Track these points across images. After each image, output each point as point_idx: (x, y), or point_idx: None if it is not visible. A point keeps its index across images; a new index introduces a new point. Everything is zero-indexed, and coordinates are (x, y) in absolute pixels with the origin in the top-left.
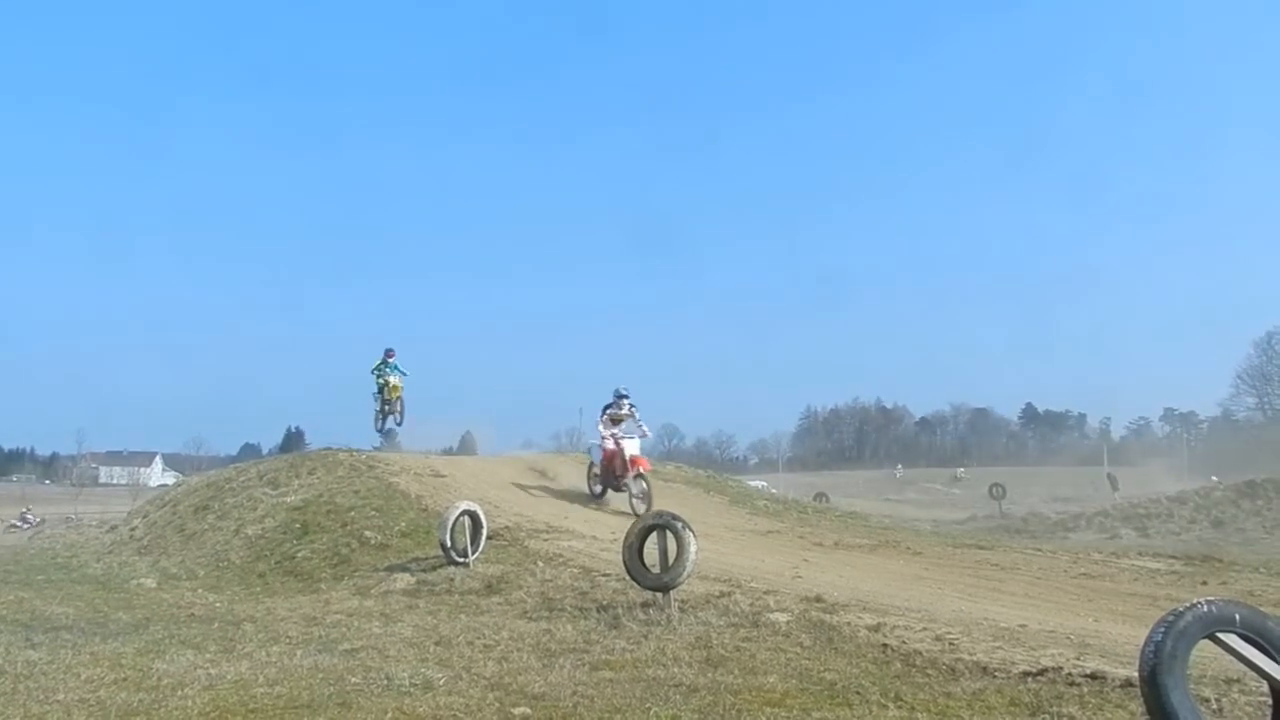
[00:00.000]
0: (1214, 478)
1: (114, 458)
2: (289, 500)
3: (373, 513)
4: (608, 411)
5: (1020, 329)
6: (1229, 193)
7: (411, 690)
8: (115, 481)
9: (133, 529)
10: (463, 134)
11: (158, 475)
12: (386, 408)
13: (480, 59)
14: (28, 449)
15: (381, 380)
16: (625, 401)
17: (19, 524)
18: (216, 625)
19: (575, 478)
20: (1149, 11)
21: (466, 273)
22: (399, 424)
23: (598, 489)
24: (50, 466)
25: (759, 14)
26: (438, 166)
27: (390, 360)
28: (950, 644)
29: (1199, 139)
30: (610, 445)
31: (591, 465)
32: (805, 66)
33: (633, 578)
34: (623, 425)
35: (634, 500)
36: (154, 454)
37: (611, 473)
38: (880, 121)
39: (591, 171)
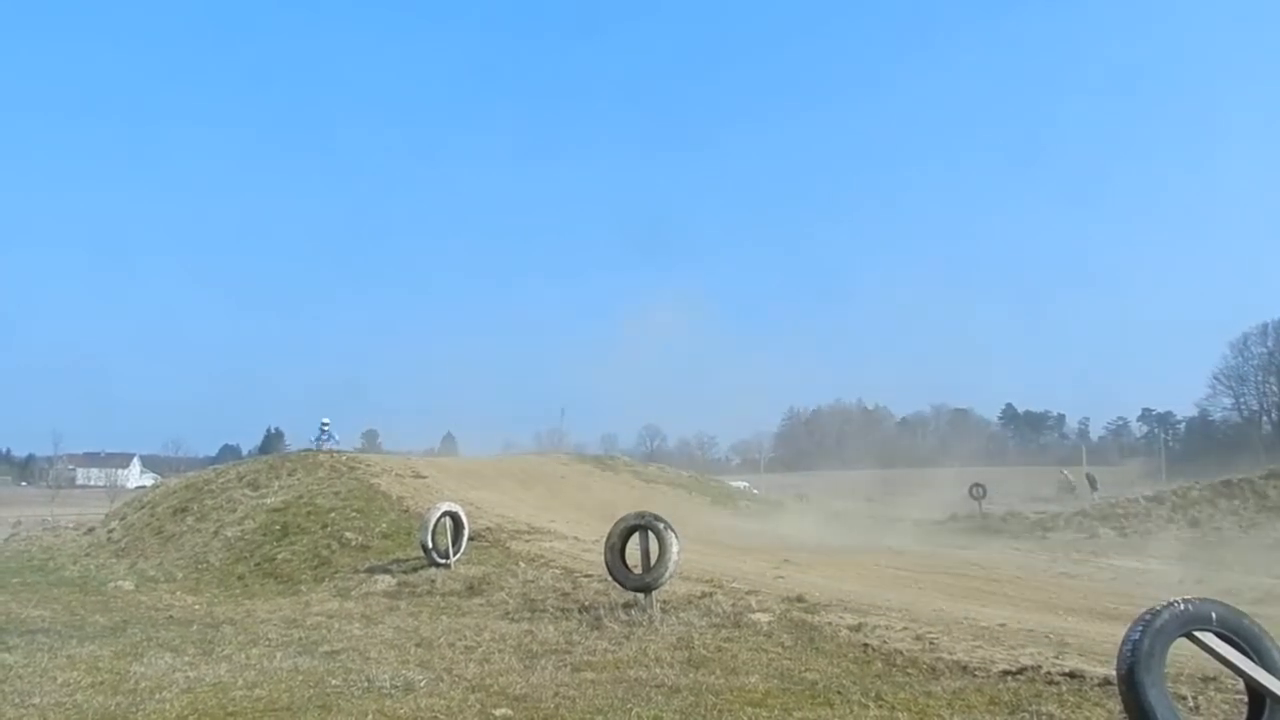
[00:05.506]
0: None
1: (91, 459)
2: (269, 502)
3: (353, 514)
4: None
5: (1003, 330)
6: (1208, 197)
7: (392, 692)
8: (92, 483)
9: (110, 531)
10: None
11: (135, 477)
12: None
13: (481, 65)
14: (3, 450)
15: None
16: None
17: None
18: (195, 628)
19: (557, 478)
20: (1148, 11)
21: (447, 275)
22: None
23: None
24: (27, 468)
25: (757, 17)
26: (422, 171)
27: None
28: (931, 643)
29: (1196, 139)
30: None
31: None
32: (802, 68)
33: (615, 578)
34: None
35: None
36: (132, 455)
37: None
38: (869, 127)
39: (578, 173)
